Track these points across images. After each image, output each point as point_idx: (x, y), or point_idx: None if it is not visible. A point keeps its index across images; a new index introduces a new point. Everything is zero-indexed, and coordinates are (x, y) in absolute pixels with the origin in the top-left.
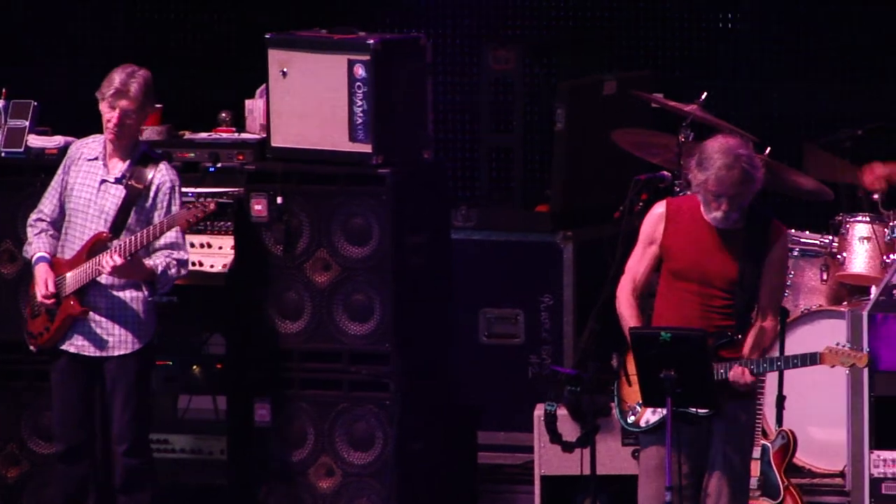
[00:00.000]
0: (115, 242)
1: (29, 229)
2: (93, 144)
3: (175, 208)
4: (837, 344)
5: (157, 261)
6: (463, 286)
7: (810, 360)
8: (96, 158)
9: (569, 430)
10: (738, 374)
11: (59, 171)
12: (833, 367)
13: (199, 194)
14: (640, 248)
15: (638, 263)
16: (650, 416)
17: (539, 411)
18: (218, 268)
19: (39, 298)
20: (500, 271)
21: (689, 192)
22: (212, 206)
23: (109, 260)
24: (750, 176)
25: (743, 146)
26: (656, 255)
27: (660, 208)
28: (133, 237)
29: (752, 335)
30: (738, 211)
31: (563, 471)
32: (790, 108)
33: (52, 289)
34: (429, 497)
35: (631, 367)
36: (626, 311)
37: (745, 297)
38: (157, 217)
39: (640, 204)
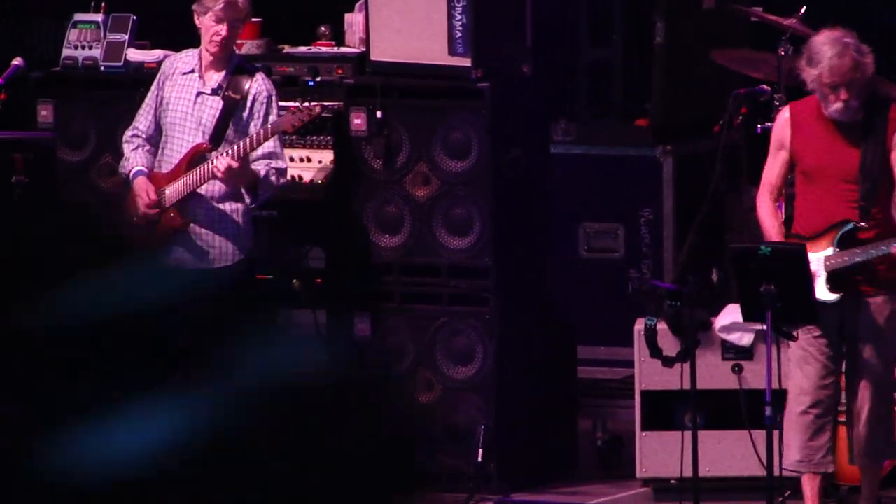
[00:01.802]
0: (223, 148)
1: (125, 145)
2: (186, 58)
3: (272, 118)
4: None
5: (257, 167)
6: (562, 200)
7: None
8: (192, 71)
9: (669, 344)
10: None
11: (153, 86)
12: None
13: (292, 106)
14: (771, 154)
15: (771, 170)
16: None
17: (639, 326)
18: (317, 182)
19: (142, 209)
20: (600, 185)
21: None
22: (317, 108)
23: (224, 161)
24: (861, 62)
25: (848, 35)
26: (787, 160)
27: (785, 113)
28: (242, 142)
29: None
30: (857, 99)
31: (664, 385)
32: (894, 20)
33: (153, 197)
34: (529, 411)
35: None
36: (767, 219)
37: (867, 185)
38: (254, 127)
39: (740, 118)
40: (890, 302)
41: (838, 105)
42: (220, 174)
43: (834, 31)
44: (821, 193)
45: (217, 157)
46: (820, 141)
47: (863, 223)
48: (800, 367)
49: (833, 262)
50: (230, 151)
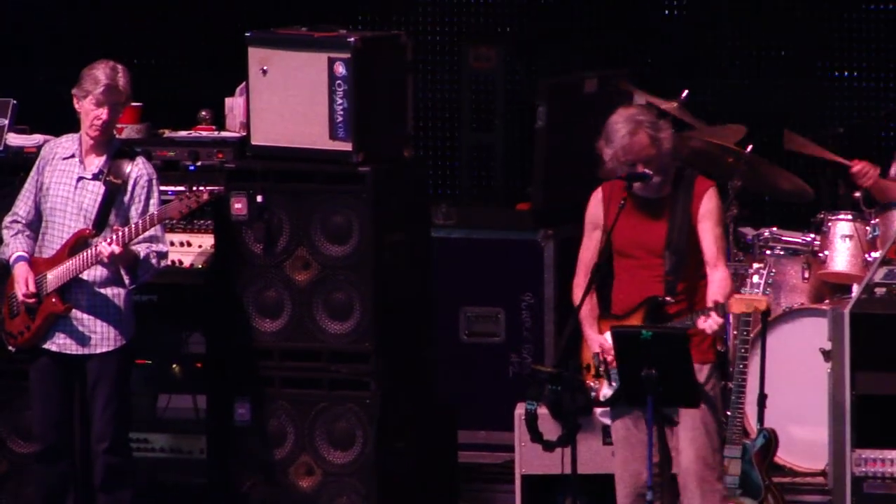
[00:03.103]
0: (106, 233)
1: (4, 231)
2: (66, 143)
3: (153, 201)
4: (742, 291)
5: (138, 248)
6: (443, 284)
7: (721, 308)
8: (72, 156)
9: (549, 429)
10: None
11: (33, 172)
12: (740, 313)
13: (179, 192)
14: (586, 234)
15: (585, 250)
16: (606, 390)
17: (520, 410)
18: (198, 266)
19: (20, 298)
20: (481, 269)
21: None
22: (205, 195)
23: (107, 248)
24: (655, 138)
25: (643, 112)
26: (602, 239)
27: (598, 193)
28: (127, 228)
29: (710, 288)
30: (658, 174)
31: (544, 470)
32: (773, 106)
33: (32, 288)
34: (409, 496)
35: (586, 355)
36: (577, 297)
37: (673, 259)
38: (135, 210)
39: (622, 202)
40: (706, 371)
41: (640, 182)
42: (104, 258)
43: (629, 108)
44: (632, 270)
45: (100, 243)
46: (629, 218)
47: (669, 298)
48: (623, 448)
49: None
50: (115, 237)
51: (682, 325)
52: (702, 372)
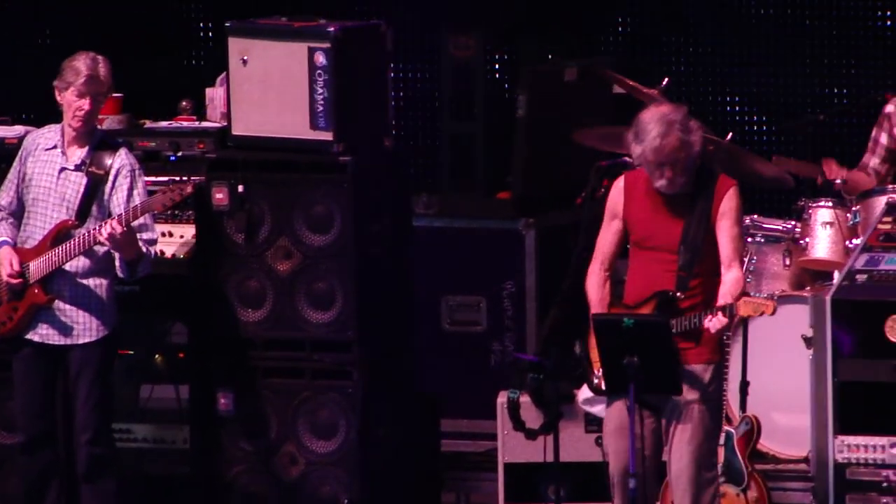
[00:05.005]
0: (88, 224)
1: None
2: (48, 134)
3: (137, 192)
4: (751, 294)
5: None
6: (425, 273)
7: (728, 310)
8: (54, 147)
9: (532, 417)
10: (709, 321)
11: (15, 163)
12: (748, 316)
13: (159, 183)
14: (605, 223)
15: (603, 239)
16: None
17: (502, 399)
18: (179, 256)
19: (5, 278)
20: (462, 258)
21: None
22: (189, 188)
23: (108, 228)
24: (686, 141)
25: (675, 112)
26: (620, 229)
27: (620, 183)
28: (119, 214)
29: (721, 287)
30: (683, 175)
31: (527, 458)
32: (753, 93)
33: (16, 267)
34: (392, 485)
35: (593, 342)
36: (592, 290)
37: (687, 256)
38: (117, 201)
39: (602, 190)
40: (710, 369)
41: (663, 182)
42: (103, 238)
43: (662, 107)
44: (647, 263)
45: (103, 223)
46: (649, 211)
47: (679, 293)
48: (617, 438)
49: None
50: (118, 217)
51: (689, 322)
52: (707, 372)
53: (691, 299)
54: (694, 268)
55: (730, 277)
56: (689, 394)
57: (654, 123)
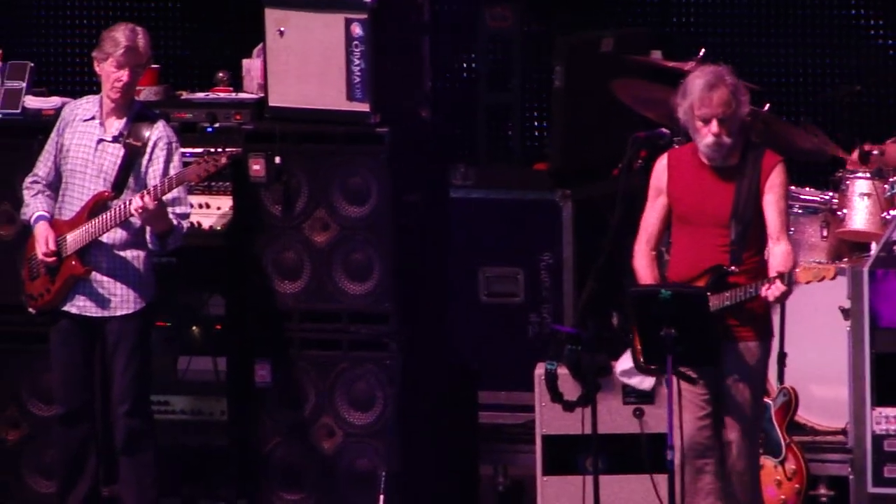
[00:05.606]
0: (126, 196)
1: (25, 191)
2: (87, 105)
3: (174, 165)
4: (808, 262)
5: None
6: (462, 245)
7: (787, 278)
8: (92, 118)
9: (569, 388)
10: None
11: (53, 133)
12: (808, 282)
13: (196, 155)
14: (650, 201)
15: (649, 217)
16: None
17: (539, 370)
18: (217, 228)
19: (40, 256)
20: (500, 230)
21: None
22: (223, 159)
23: (139, 201)
24: (735, 97)
25: (727, 72)
26: (665, 205)
27: (663, 160)
28: (153, 187)
29: (771, 261)
30: (729, 136)
31: (564, 430)
32: (790, 65)
33: (52, 246)
34: (429, 457)
35: None
36: (640, 267)
37: (738, 229)
38: (153, 173)
39: (639, 161)
40: (760, 347)
41: (709, 139)
42: (135, 211)
43: (711, 65)
44: (695, 238)
45: (134, 197)
46: (694, 185)
47: (734, 267)
48: (679, 409)
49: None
50: (150, 191)
51: (744, 292)
52: (757, 349)
53: (742, 275)
54: (745, 242)
55: (780, 250)
56: (738, 371)
57: (702, 76)
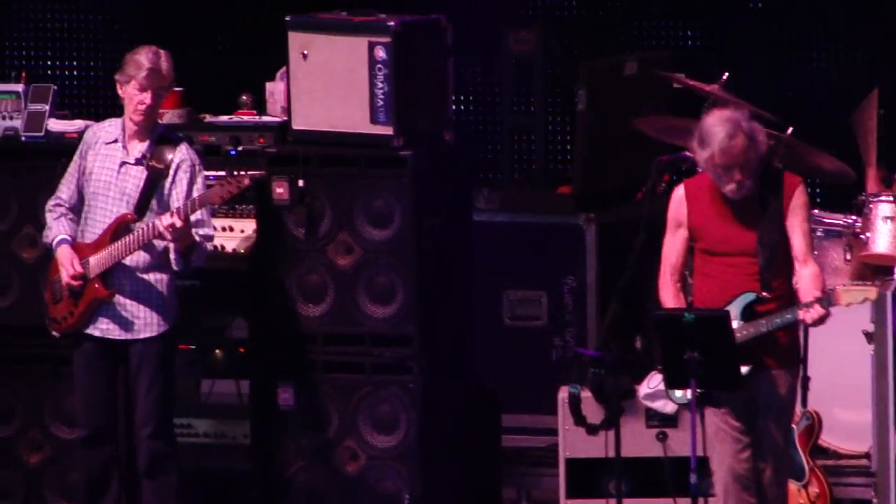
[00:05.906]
0: (148, 218)
1: (48, 214)
2: (109, 128)
3: (197, 187)
4: (848, 283)
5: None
6: (485, 268)
7: (826, 300)
8: (115, 141)
9: (593, 412)
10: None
11: (76, 156)
12: (848, 305)
13: (219, 178)
14: (669, 233)
15: (670, 248)
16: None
17: (563, 394)
18: (240, 251)
19: (66, 280)
20: (523, 253)
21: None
22: (246, 181)
23: (168, 219)
24: (753, 142)
25: (739, 113)
26: (686, 238)
27: (679, 191)
28: (177, 208)
29: (801, 284)
30: (751, 178)
31: (588, 453)
32: (813, 87)
33: (78, 269)
34: (453, 480)
35: None
36: (667, 298)
37: (766, 256)
38: (176, 196)
39: (663, 185)
40: (790, 375)
41: (732, 186)
42: (164, 230)
43: (724, 110)
44: (721, 269)
45: (162, 217)
46: (717, 218)
47: (765, 293)
48: (716, 442)
49: (740, 334)
50: (177, 210)
51: (781, 319)
52: (788, 377)
53: (772, 302)
54: (773, 268)
55: (808, 272)
56: (770, 400)
57: (720, 125)
